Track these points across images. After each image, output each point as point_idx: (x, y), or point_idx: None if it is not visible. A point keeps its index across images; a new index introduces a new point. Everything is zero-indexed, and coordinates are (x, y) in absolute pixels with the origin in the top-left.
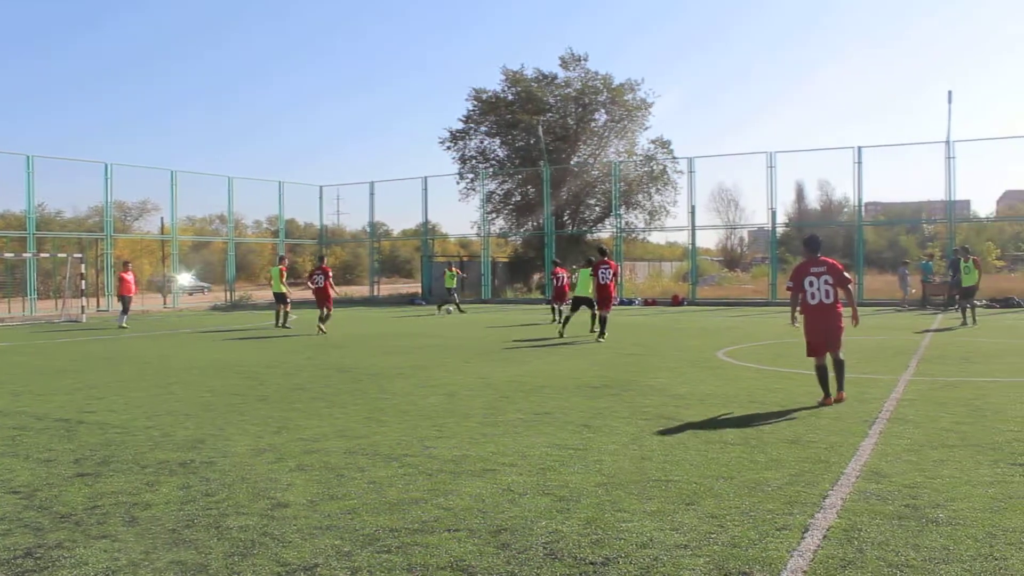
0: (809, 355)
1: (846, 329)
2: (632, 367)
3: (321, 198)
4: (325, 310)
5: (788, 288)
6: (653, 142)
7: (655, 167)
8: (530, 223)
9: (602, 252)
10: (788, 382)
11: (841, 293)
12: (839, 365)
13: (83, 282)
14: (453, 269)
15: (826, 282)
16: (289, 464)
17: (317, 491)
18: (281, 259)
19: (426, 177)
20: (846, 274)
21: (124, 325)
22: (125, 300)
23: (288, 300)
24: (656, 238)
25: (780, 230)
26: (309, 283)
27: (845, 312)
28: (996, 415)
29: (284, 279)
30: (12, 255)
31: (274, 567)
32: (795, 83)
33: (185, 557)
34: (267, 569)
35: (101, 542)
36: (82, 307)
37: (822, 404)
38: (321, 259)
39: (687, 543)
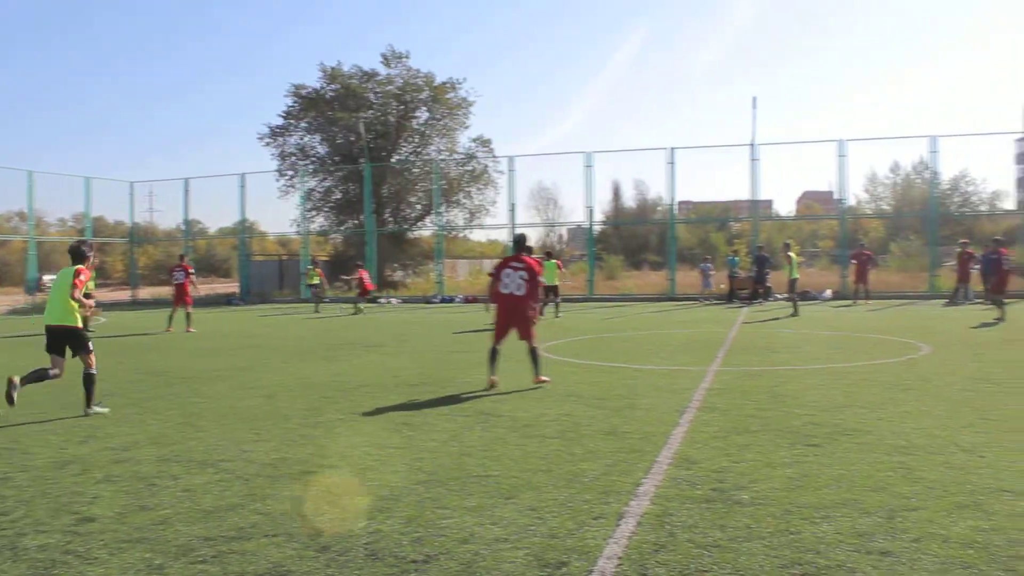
0: (493, 339)
1: (660, 328)
2: (452, 364)
3: (132, 195)
4: (184, 308)
5: (490, 274)
6: (474, 140)
7: (476, 166)
8: (351, 221)
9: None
10: (605, 376)
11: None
12: (533, 352)
13: None
14: (316, 268)
15: (521, 277)
16: (96, 475)
17: (126, 503)
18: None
19: (244, 174)
20: (540, 278)
21: None
22: None
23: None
24: (477, 236)
25: (597, 228)
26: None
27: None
28: (794, 401)
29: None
30: None
31: None
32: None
33: None
34: None
35: None
36: None
37: (491, 386)
38: (181, 256)
39: (507, 536)
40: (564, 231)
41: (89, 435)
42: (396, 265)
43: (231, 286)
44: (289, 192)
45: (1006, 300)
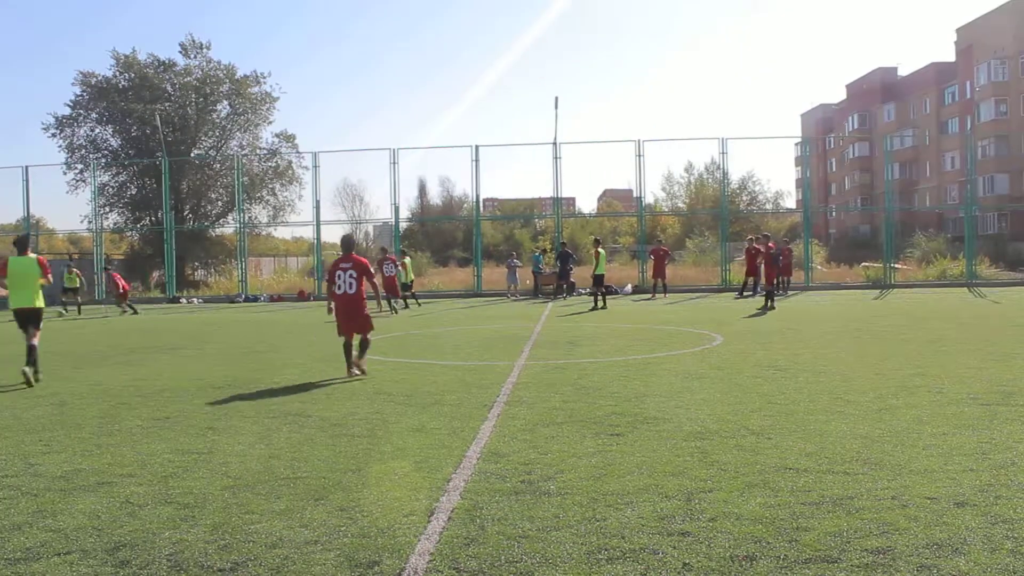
0: (339, 335)
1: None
2: (259, 365)
3: None
4: None
5: (325, 280)
6: (278, 136)
7: (280, 162)
8: (148, 218)
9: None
10: (413, 373)
11: (368, 286)
12: (364, 343)
13: None
14: (73, 270)
15: (351, 276)
16: None
17: None
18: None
19: (27, 166)
20: (371, 268)
21: None
22: None
23: None
24: (282, 233)
25: (404, 225)
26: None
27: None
28: (597, 392)
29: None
30: None
31: None
32: (415, 80)
33: None
34: None
35: None
36: None
37: (350, 376)
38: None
39: (317, 539)
40: (371, 228)
41: None
42: (197, 264)
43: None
44: (79, 187)
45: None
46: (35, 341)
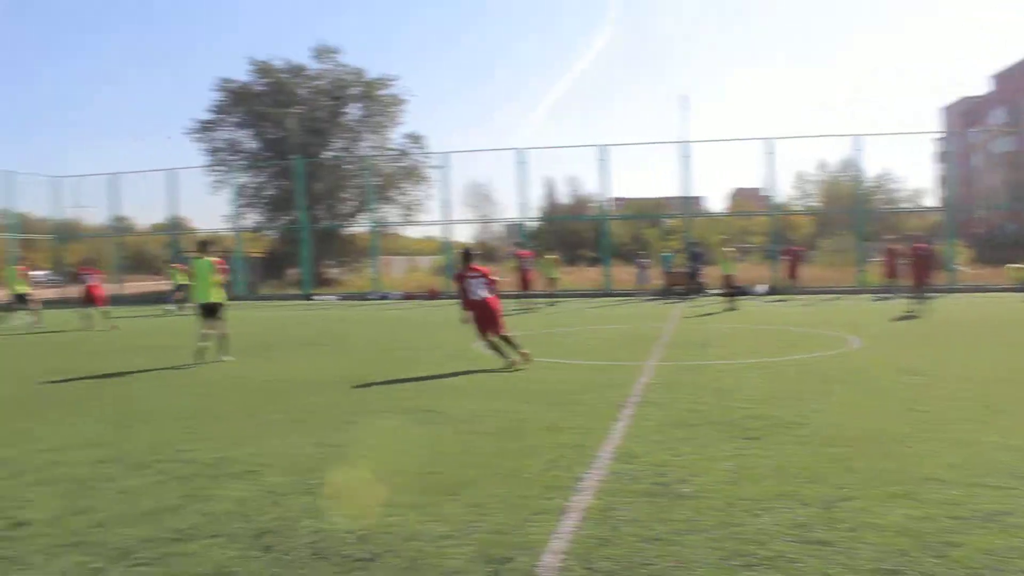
0: (480, 338)
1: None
2: (392, 362)
3: (57, 191)
4: (93, 307)
5: (457, 288)
6: (407, 137)
7: (409, 162)
8: (285, 217)
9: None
10: (543, 372)
11: (494, 289)
12: (507, 338)
13: None
14: (180, 267)
15: (481, 283)
16: (28, 479)
17: (61, 506)
18: (19, 260)
19: (174, 169)
20: (493, 278)
21: None
22: None
23: (28, 300)
24: (412, 232)
25: (533, 224)
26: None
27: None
28: (731, 395)
29: (25, 279)
30: None
31: None
32: (540, 81)
33: None
34: None
35: None
36: None
37: (512, 365)
38: (86, 261)
39: (451, 533)
40: (500, 227)
41: (19, 438)
42: (331, 262)
43: (164, 284)
44: (220, 188)
45: (928, 294)
46: (221, 332)
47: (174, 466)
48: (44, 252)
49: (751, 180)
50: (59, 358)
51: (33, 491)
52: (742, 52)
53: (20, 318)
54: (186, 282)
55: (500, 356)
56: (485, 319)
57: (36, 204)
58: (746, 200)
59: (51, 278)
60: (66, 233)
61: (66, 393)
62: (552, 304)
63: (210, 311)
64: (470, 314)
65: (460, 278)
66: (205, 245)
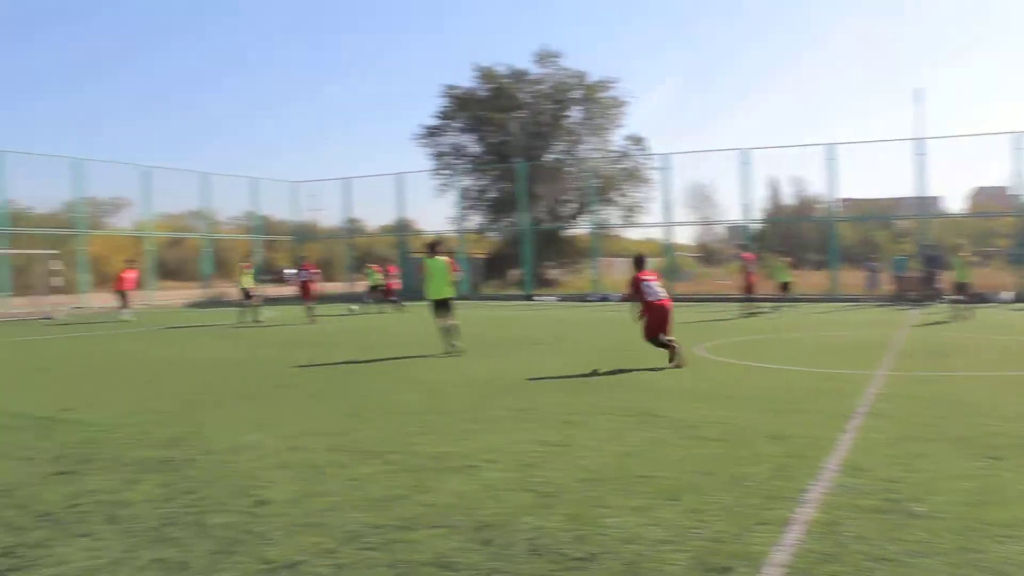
0: (649, 337)
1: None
2: (612, 363)
3: (296, 195)
4: (309, 302)
5: (629, 294)
6: (628, 139)
7: (630, 164)
8: (507, 219)
9: (640, 263)
10: (767, 378)
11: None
12: (670, 341)
13: (56, 279)
14: (376, 267)
15: (659, 286)
16: (270, 461)
17: (299, 488)
18: (246, 258)
19: (401, 173)
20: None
21: (127, 318)
22: (123, 295)
23: (253, 296)
24: (633, 234)
25: (755, 226)
26: (298, 278)
27: None
28: (972, 409)
29: (251, 276)
30: None
31: (257, 564)
32: (767, 80)
33: (167, 555)
34: (250, 567)
35: (82, 540)
36: (57, 305)
37: (676, 363)
38: (303, 258)
39: (670, 538)
40: (721, 229)
41: (263, 424)
42: (551, 263)
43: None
44: (445, 191)
45: None
46: (452, 321)
47: (401, 457)
48: (284, 252)
49: (995, 178)
50: (300, 351)
51: (274, 473)
52: (982, 39)
53: (261, 313)
54: (380, 282)
55: (671, 353)
56: (662, 320)
57: (277, 207)
58: (989, 200)
59: (298, 276)
60: (304, 234)
61: (306, 384)
62: (777, 308)
63: (444, 306)
64: (646, 314)
65: (637, 281)
66: (435, 246)
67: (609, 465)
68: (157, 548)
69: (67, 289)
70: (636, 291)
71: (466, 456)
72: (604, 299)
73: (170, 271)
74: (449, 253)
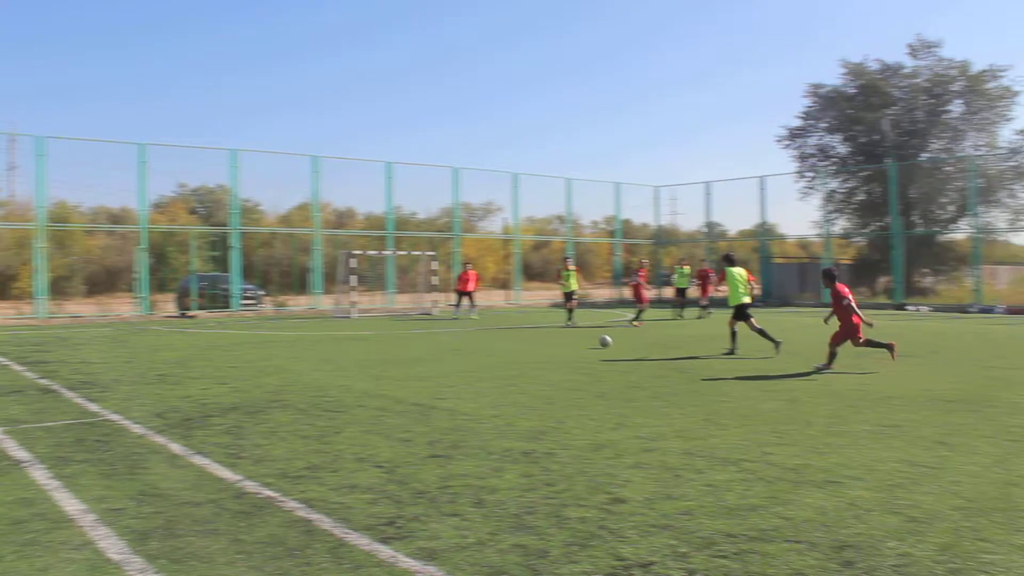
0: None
1: None
2: (995, 382)
3: (657, 199)
4: (641, 305)
5: (848, 302)
6: (1019, 133)
7: (1020, 161)
8: (875, 223)
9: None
10: None
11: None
12: (835, 352)
13: (434, 278)
14: (684, 264)
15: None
16: (627, 460)
17: (654, 489)
18: (566, 260)
19: (763, 176)
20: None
21: (474, 316)
22: (462, 294)
23: (574, 297)
24: (1021, 240)
25: None
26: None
27: None
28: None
29: (575, 278)
30: (375, 253)
31: (611, 560)
32: None
33: (527, 542)
34: (604, 562)
35: (452, 519)
36: (434, 301)
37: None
38: (641, 262)
39: None
40: None
41: (620, 423)
42: (925, 270)
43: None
44: (809, 194)
45: None
46: (758, 325)
47: (758, 466)
48: (642, 256)
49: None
50: (650, 351)
51: (630, 473)
52: None
53: (567, 315)
54: (685, 285)
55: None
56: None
57: (637, 211)
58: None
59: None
60: (663, 238)
61: (662, 386)
62: None
63: (742, 311)
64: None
65: (851, 294)
66: (731, 258)
67: (989, 494)
68: (518, 534)
69: (442, 287)
70: (852, 298)
71: (827, 470)
72: (987, 311)
73: (535, 273)
74: (744, 263)
